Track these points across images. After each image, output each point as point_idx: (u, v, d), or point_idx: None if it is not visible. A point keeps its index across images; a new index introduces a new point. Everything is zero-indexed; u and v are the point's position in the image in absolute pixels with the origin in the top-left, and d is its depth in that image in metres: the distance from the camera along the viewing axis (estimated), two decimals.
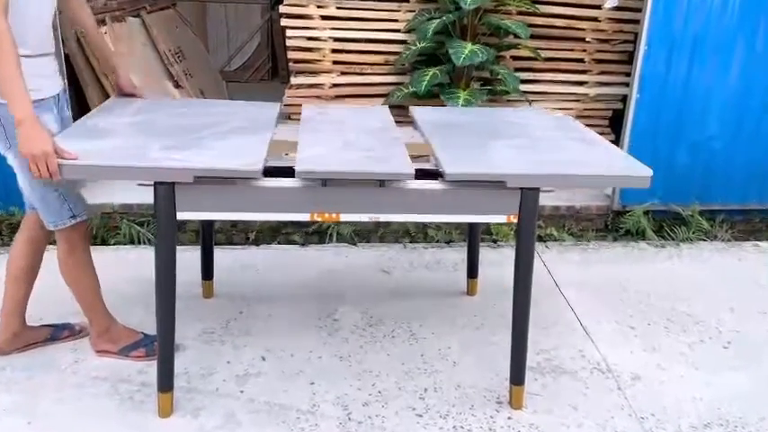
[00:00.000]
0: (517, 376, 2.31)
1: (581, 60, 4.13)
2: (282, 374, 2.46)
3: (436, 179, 2.06)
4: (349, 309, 2.93)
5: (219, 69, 6.86)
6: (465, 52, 3.44)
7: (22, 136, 1.88)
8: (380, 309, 2.94)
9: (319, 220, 2.08)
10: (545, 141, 2.34)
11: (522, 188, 2.05)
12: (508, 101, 3.98)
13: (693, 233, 3.81)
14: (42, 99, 2.09)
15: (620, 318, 2.97)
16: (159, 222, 2.01)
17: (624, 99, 4.18)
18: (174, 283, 2.10)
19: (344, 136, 2.30)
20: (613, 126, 4.25)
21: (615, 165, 2.14)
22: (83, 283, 2.40)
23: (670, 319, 2.97)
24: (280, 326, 2.77)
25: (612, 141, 4.29)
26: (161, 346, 2.16)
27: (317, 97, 4.04)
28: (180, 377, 2.39)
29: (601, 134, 4.28)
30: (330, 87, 4.03)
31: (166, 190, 1.95)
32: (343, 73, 4.04)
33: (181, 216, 2.00)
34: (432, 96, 3.68)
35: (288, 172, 2.03)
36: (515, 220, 2.12)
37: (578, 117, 4.17)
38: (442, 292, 3.10)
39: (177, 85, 4.63)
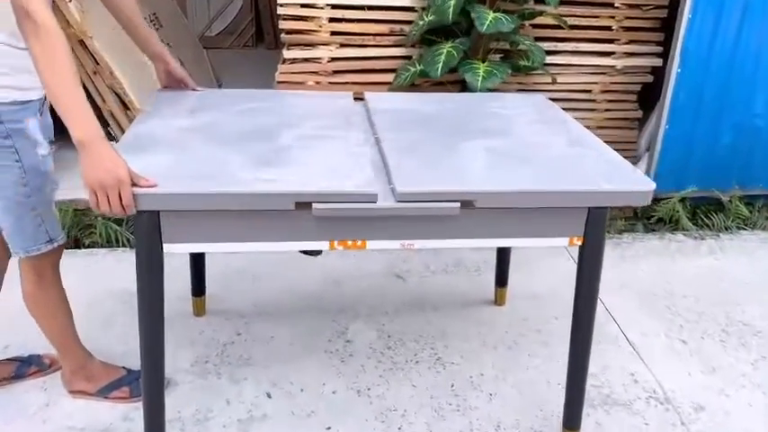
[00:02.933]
0: (573, 420, 1.96)
1: (608, 28, 3.69)
2: (292, 416, 2.09)
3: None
4: (362, 326, 2.55)
5: (200, 35, 6.33)
6: (489, 18, 3.00)
7: (87, 160, 1.46)
8: (398, 324, 2.57)
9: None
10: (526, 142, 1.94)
11: (589, 207, 1.68)
12: (527, 73, 3.55)
13: (732, 221, 3.47)
14: (29, 101, 1.69)
15: (670, 329, 2.63)
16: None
17: (654, 71, 3.77)
18: (163, 306, 1.71)
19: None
20: (641, 102, 3.84)
21: (613, 177, 1.73)
22: (54, 319, 2.00)
23: (725, 330, 2.63)
24: (284, 351, 2.39)
25: (640, 120, 3.92)
26: (146, 395, 1.77)
27: (314, 73, 3.58)
28: (172, 424, 2.01)
29: (627, 111, 3.95)
30: (328, 62, 3.57)
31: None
32: (342, 45, 3.58)
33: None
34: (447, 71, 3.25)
35: None
36: (579, 243, 1.74)
37: (603, 92, 3.76)
38: (467, 302, 2.73)
39: None
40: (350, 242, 1.67)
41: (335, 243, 1.66)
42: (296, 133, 1.87)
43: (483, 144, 1.87)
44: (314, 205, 1.54)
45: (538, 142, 1.92)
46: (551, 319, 2.63)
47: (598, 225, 1.73)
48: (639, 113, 3.84)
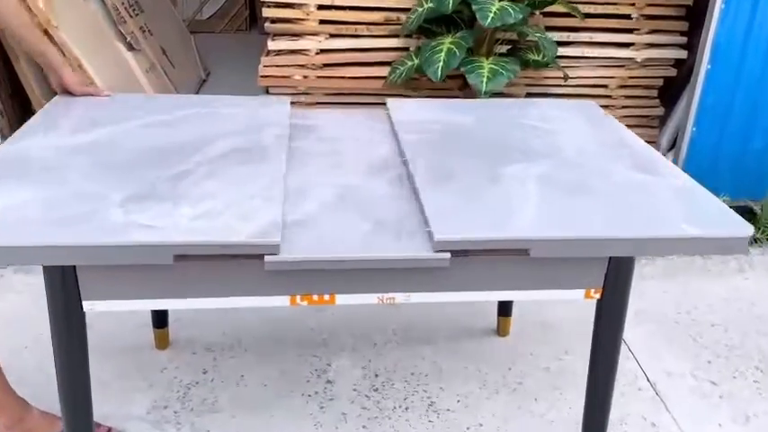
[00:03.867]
0: None
1: (627, 16, 3.34)
2: None
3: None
4: (346, 362, 2.24)
5: (190, 19, 5.98)
6: (493, 10, 2.66)
7: None
8: (386, 360, 2.26)
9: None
10: (584, 169, 1.60)
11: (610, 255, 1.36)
12: (536, 68, 3.21)
13: (762, 232, 3.13)
14: None
15: (697, 367, 2.31)
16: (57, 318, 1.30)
17: (677, 64, 3.42)
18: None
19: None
20: (662, 97, 3.50)
21: (696, 216, 1.40)
22: None
23: (759, 368, 2.32)
24: (255, 394, 2.09)
25: (661, 118, 3.57)
26: None
27: (302, 66, 3.25)
28: None
29: (648, 108, 3.60)
30: (317, 54, 3.24)
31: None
32: (332, 35, 3.24)
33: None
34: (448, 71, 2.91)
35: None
36: (597, 296, 1.42)
37: (621, 87, 3.42)
38: (464, 333, 2.42)
39: (131, 47, 3.80)
40: (315, 297, 1.35)
41: (298, 299, 1.35)
42: (205, 155, 1.55)
43: (529, 170, 1.56)
44: (266, 258, 1.23)
45: (595, 167, 1.60)
46: (561, 353, 2.31)
47: (623, 274, 1.41)
48: (661, 111, 3.50)
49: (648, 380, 2.23)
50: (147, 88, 3.73)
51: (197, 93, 4.47)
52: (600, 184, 1.51)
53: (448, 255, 1.27)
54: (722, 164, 3.05)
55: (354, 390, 2.13)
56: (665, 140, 3.52)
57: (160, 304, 1.34)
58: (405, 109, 1.96)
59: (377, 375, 2.19)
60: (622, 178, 1.55)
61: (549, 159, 1.62)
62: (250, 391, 2.10)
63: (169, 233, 1.22)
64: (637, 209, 1.40)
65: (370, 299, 1.36)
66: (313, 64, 3.23)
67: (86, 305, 1.29)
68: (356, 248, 1.27)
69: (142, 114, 1.78)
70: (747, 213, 3.18)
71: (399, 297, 1.37)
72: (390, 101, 2.02)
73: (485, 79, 2.75)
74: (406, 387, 2.15)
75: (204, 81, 4.77)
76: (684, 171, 3.02)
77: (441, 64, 2.76)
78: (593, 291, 1.41)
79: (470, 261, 1.32)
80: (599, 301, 1.45)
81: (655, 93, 3.46)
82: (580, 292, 1.42)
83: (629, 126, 1.93)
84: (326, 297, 1.35)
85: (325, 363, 2.24)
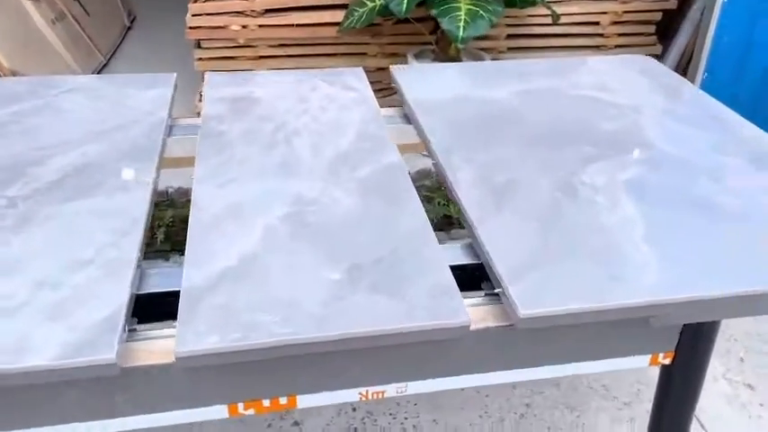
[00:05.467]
0: None
1: None
2: None
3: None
4: None
5: None
6: None
7: None
8: None
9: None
10: (691, 169, 1.17)
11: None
12: (522, 7, 2.71)
13: None
14: None
15: (728, 367, 1.97)
16: None
17: None
18: None
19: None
20: (660, 34, 3.05)
21: None
22: None
23: None
24: None
25: (658, 57, 3.12)
26: None
27: (239, 13, 2.68)
28: None
29: (644, 47, 3.14)
30: None
31: None
32: None
33: None
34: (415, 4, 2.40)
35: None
36: (666, 361, 1.01)
37: (614, 24, 2.95)
38: None
39: None
40: (267, 402, 0.91)
41: (240, 407, 0.90)
42: (27, 185, 1.06)
43: (615, 173, 1.13)
44: (176, 350, 0.78)
45: (700, 163, 1.19)
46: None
47: (704, 333, 1.00)
48: (659, 49, 3.05)
49: None
50: (55, 43, 3.11)
51: (119, 44, 3.84)
52: (717, 192, 1.08)
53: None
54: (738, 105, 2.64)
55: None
56: None
57: None
58: (417, 79, 1.48)
59: None
60: (743, 180, 1.13)
61: (636, 153, 1.19)
62: None
63: None
64: None
65: (349, 396, 0.92)
66: (252, 10, 2.67)
67: None
68: (324, 321, 0.83)
69: None
70: None
71: (391, 390, 0.93)
72: (396, 68, 1.54)
73: (462, 24, 2.25)
74: None
75: (129, 29, 4.11)
76: None
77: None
78: (661, 355, 1.00)
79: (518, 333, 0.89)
80: (667, 367, 1.04)
81: (652, 29, 3.01)
82: (643, 359, 1.00)
83: None
84: (283, 401, 0.90)
85: None
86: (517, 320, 0.84)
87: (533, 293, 0.87)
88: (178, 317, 0.82)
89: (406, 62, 2.74)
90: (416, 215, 1.04)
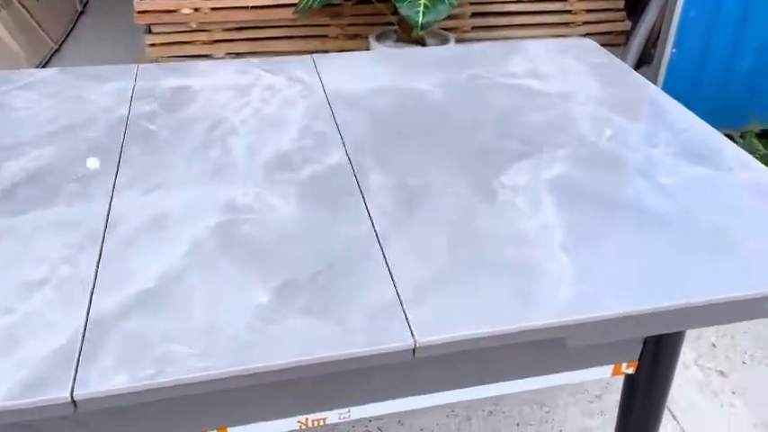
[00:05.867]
0: None
1: None
2: None
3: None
4: None
5: None
6: None
7: None
8: None
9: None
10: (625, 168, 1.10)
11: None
12: None
13: None
14: None
15: (698, 354, 1.92)
16: None
17: None
18: None
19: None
20: (629, 10, 2.97)
21: None
22: None
23: None
24: None
25: (627, 33, 3.05)
26: None
27: None
28: None
29: (612, 23, 3.04)
30: None
31: None
32: None
33: None
34: None
35: None
36: (629, 371, 0.95)
37: (580, 0, 2.86)
38: None
39: None
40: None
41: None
42: None
43: (539, 172, 1.06)
44: (75, 393, 0.69)
45: (633, 158, 1.10)
46: None
47: (670, 340, 0.93)
48: (627, 25, 2.98)
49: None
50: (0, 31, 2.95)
51: (71, 30, 3.67)
52: (647, 191, 1.00)
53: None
54: (703, 90, 2.58)
55: None
56: (629, 59, 3.02)
57: None
58: (339, 69, 1.39)
59: None
60: (674, 177, 1.05)
61: (565, 148, 1.11)
62: None
63: None
64: (711, 237, 0.91)
65: (287, 425, 0.84)
66: None
67: None
68: (246, 351, 0.74)
69: None
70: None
71: (333, 416, 0.85)
72: (317, 57, 1.44)
73: (421, 9, 2.14)
74: None
75: (81, 13, 3.93)
76: None
77: None
78: (624, 365, 0.93)
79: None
80: (631, 377, 0.97)
81: (621, 4, 2.93)
82: (606, 369, 0.93)
83: None
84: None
85: None
86: (415, 348, 0.76)
87: (433, 319, 0.79)
88: (80, 352, 0.73)
89: (367, 44, 2.63)
90: (360, 222, 0.95)
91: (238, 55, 2.65)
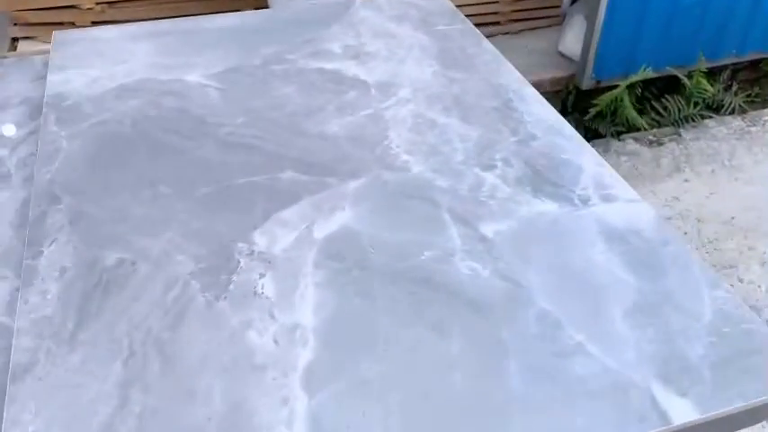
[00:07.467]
0: None
1: None
2: None
3: None
4: None
5: None
6: None
7: None
8: None
9: None
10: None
11: None
12: None
13: (695, 107, 2.38)
14: None
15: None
16: None
17: None
18: None
19: None
20: None
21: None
22: None
23: None
24: None
25: None
26: None
27: None
28: None
29: None
30: None
31: None
32: None
33: None
34: None
35: None
36: None
37: None
38: None
39: None
40: None
41: None
42: None
43: (308, 226, 0.75)
44: None
45: (451, 193, 0.79)
46: None
47: None
48: None
49: None
50: None
51: None
52: (462, 250, 0.68)
53: None
54: (647, 26, 2.23)
55: None
56: None
57: None
58: (82, 53, 1.00)
59: None
60: (505, 223, 0.72)
61: (360, 176, 0.76)
62: None
63: None
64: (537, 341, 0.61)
65: None
66: None
67: None
68: None
69: None
70: (669, 86, 2.40)
71: None
72: (59, 34, 1.06)
73: None
74: None
75: None
76: (600, 42, 2.22)
77: None
78: None
79: None
80: None
81: None
82: None
83: None
84: None
85: None
86: None
87: None
88: None
89: None
90: None
91: None
